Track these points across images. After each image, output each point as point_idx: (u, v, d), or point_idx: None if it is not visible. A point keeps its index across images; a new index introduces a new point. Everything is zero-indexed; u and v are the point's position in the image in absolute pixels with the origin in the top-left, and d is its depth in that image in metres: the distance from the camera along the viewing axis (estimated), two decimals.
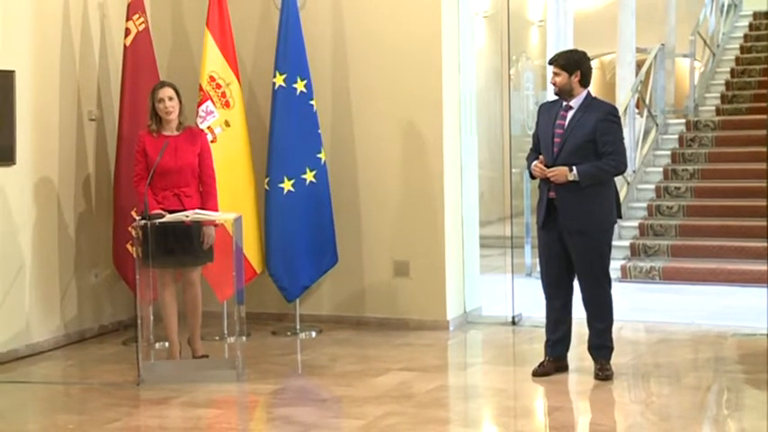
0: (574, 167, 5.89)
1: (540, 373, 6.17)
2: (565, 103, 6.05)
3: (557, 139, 6.00)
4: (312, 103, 7.48)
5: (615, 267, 9.27)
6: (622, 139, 6.14)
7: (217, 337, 7.47)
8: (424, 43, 7.54)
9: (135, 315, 6.37)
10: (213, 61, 7.39)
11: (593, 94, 6.14)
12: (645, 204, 10.85)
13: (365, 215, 7.79)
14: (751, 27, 14.49)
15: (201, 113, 7.33)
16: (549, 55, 7.39)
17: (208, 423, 5.51)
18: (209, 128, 7.25)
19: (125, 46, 7.43)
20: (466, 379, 6.58)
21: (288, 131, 7.41)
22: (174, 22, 8.22)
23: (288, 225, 7.42)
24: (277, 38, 7.47)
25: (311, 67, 7.50)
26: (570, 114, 6.01)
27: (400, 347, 7.10)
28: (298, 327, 7.65)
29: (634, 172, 10.96)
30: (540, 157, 6.06)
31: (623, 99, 11.32)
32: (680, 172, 11.29)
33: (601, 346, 6.12)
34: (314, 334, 7.58)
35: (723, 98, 13.03)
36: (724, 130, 12.02)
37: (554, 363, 6.20)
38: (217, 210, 6.60)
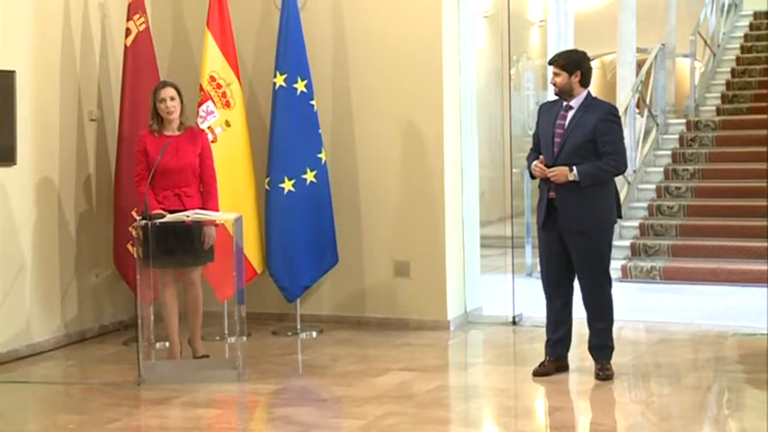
0: (574, 167, 5.89)
1: (540, 372, 6.17)
2: (565, 103, 6.05)
3: (557, 139, 6.00)
4: (312, 103, 7.48)
5: (616, 267, 9.27)
6: (622, 139, 6.14)
7: (217, 337, 7.47)
8: (424, 43, 7.54)
9: (135, 315, 6.37)
10: (214, 61, 7.40)
11: (594, 94, 6.14)
12: (645, 204, 10.85)
13: (365, 215, 7.79)
14: (751, 27, 14.49)
15: (202, 113, 7.34)
16: (550, 55, 7.39)
17: (208, 423, 5.52)
18: (209, 128, 7.25)
19: (125, 46, 7.43)
20: (466, 379, 6.58)
21: (288, 131, 7.42)
22: (174, 22, 8.23)
23: (288, 225, 7.42)
24: (277, 38, 7.47)
25: (312, 67, 7.50)
26: (570, 114, 6.01)
27: (400, 347, 7.10)
28: (298, 327, 7.65)
29: (634, 172, 10.96)
30: (541, 157, 6.06)
31: (624, 99, 11.32)
32: (680, 172, 11.29)
33: (601, 345, 6.12)
34: (314, 334, 7.58)
35: (724, 98, 13.03)
36: (724, 129, 12.02)
37: (554, 363, 6.20)
38: (218, 210, 6.60)
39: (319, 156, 7.48)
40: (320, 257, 7.56)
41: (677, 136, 12.02)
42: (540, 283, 6.27)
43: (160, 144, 6.40)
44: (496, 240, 9.51)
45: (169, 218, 6.29)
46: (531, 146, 6.26)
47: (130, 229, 6.66)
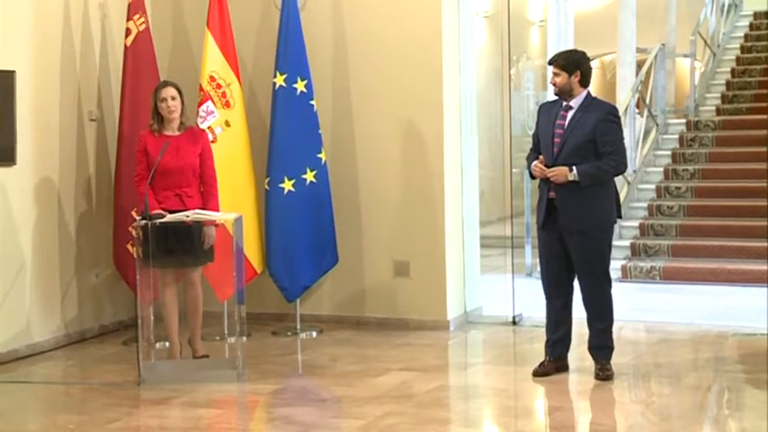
0: (574, 167, 5.89)
1: (540, 372, 6.17)
2: (565, 104, 6.05)
3: (557, 139, 6.00)
4: (312, 103, 7.48)
5: (615, 267, 9.27)
6: (622, 139, 6.14)
7: (217, 337, 7.47)
8: (424, 43, 7.54)
9: (135, 315, 6.37)
10: (214, 61, 7.40)
11: (594, 94, 6.14)
12: (645, 204, 10.85)
13: (365, 215, 7.79)
14: (751, 27, 14.49)
15: (202, 113, 7.34)
16: (550, 55, 7.39)
17: (208, 423, 5.52)
18: (209, 128, 7.25)
19: (125, 46, 7.43)
20: (466, 379, 6.58)
21: (288, 131, 7.42)
22: (174, 23, 8.23)
23: (288, 225, 7.42)
24: (277, 38, 7.47)
25: (311, 67, 7.50)
26: (570, 114, 6.01)
27: (400, 347, 7.10)
28: (298, 327, 7.65)
29: (634, 172, 10.96)
30: (540, 157, 6.06)
31: (624, 99, 11.32)
32: (680, 172, 11.29)
33: (601, 346, 6.12)
34: (314, 334, 7.58)
35: (723, 98, 13.03)
36: (724, 129, 12.02)
37: (554, 363, 6.20)
38: (218, 210, 6.61)
39: (319, 156, 7.48)
40: (320, 257, 7.56)
41: (677, 136, 12.02)
42: (539, 283, 6.27)
43: (160, 144, 6.40)
44: (496, 240, 9.51)
45: (169, 218, 6.29)
46: (530, 146, 6.26)
47: (130, 229, 6.66)
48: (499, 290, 8.02)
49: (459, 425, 5.46)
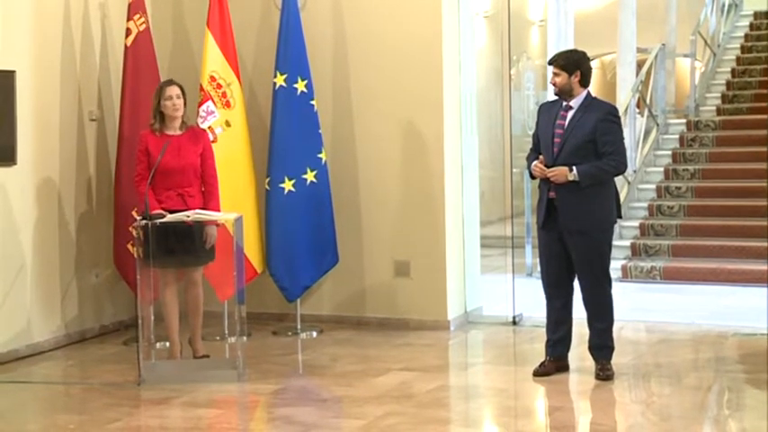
0: (574, 167, 5.89)
1: (540, 372, 6.17)
2: (565, 104, 6.05)
3: (557, 140, 6.00)
4: (313, 103, 7.48)
5: (616, 267, 9.27)
6: (622, 139, 6.14)
7: (217, 337, 7.47)
8: (424, 43, 7.54)
9: (136, 315, 6.37)
10: (214, 61, 7.40)
11: (594, 94, 6.14)
12: (645, 204, 10.84)
13: (366, 215, 7.79)
14: (752, 27, 14.49)
15: (202, 113, 7.34)
16: (550, 55, 7.38)
17: (208, 423, 5.52)
18: (209, 128, 7.25)
19: (126, 46, 7.43)
20: (467, 379, 6.58)
21: (288, 131, 7.42)
22: (174, 22, 8.23)
23: (288, 225, 7.42)
24: (278, 38, 7.47)
25: (312, 67, 7.50)
26: (570, 114, 6.01)
27: (401, 347, 7.10)
28: (298, 327, 7.65)
29: (635, 172, 10.96)
30: (540, 157, 6.06)
31: (624, 99, 11.32)
32: (681, 172, 11.29)
33: (601, 346, 6.12)
34: (314, 334, 7.58)
35: (724, 98, 13.03)
36: (725, 129, 12.02)
37: (555, 363, 6.20)
38: (219, 210, 6.61)
39: (319, 156, 7.48)
40: (320, 257, 7.56)
41: (677, 136, 12.02)
42: (540, 283, 6.27)
43: (161, 143, 6.40)
44: (496, 240, 9.51)
45: (169, 218, 6.29)
46: (531, 146, 6.26)
47: (131, 229, 6.66)
48: (499, 290, 8.02)
49: (459, 425, 5.46)
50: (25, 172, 7.06)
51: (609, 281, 6.10)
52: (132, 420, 5.57)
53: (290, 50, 7.43)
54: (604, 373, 6.04)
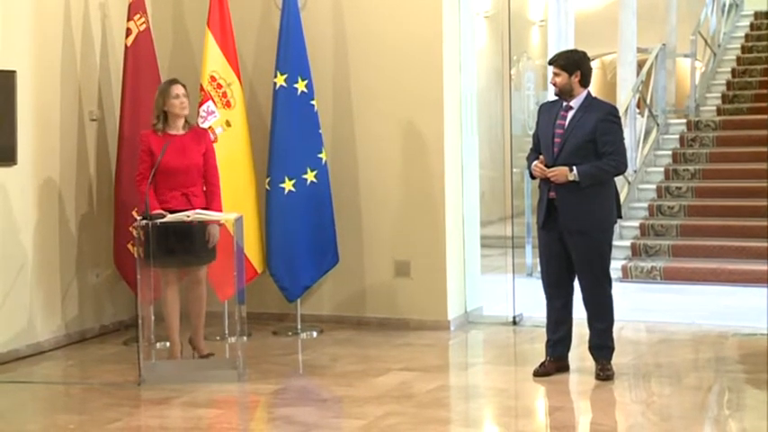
0: (574, 167, 5.89)
1: (540, 373, 6.17)
2: (565, 104, 6.05)
3: (557, 140, 6.00)
4: (313, 103, 7.48)
5: (616, 267, 9.27)
6: (623, 139, 6.14)
7: (218, 337, 7.47)
8: (424, 43, 7.54)
9: (136, 315, 6.37)
10: (214, 61, 7.40)
11: (594, 95, 6.14)
12: (646, 204, 10.84)
13: (366, 215, 7.79)
14: (752, 27, 14.48)
15: (202, 113, 7.34)
16: (550, 55, 7.38)
17: (208, 423, 5.52)
18: (210, 128, 7.25)
19: (126, 46, 7.43)
20: (467, 379, 6.58)
21: (289, 131, 7.42)
22: (175, 22, 8.23)
23: (289, 225, 7.43)
24: (278, 38, 7.47)
25: (312, 67, 7.50)
26: (570, 114, 6.01)
27: (401, 347, 7.10)
28: (299, 327, 7.65)
29: (635, 172, 10.96)
30: (541, 157, 6.06)
31: (624, 99, 11.32)
32: (681, 172, 11.29)
33: (602, 346, 6.12)
34: (315, 334, 7.58)
35: (724, 98, 13.02)
36: (725, 129, 12.02)
37: (555, 363, 6.20)
38: (221, 210, 6.62)
39: (320, 156, 7.48)
40: (320, 257, 7.56)
41: (678, 136, 12.02)
42: (540, 283, 6.27)
43: (164, 143, 6.40)
44: (497, 240, 9.51)
45: (170, 218, 6.29)
46: (531, 146, 6.26)
47: (131, 229, 6.66)
48: (500, 290, 8.02)
49: (459, 425, 5.46)
50: (25, 172, 7.06)
51: (609, 281, 6.10)
52: (132, 420, 5.57)
53: (291, 50, 7.43)
54: (604, 374, 6.04)
